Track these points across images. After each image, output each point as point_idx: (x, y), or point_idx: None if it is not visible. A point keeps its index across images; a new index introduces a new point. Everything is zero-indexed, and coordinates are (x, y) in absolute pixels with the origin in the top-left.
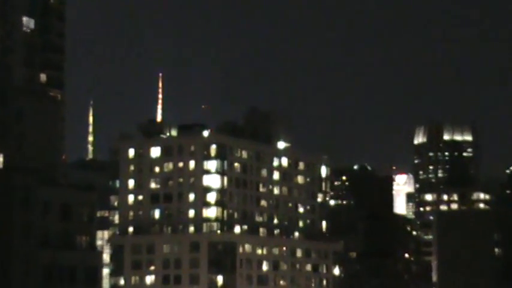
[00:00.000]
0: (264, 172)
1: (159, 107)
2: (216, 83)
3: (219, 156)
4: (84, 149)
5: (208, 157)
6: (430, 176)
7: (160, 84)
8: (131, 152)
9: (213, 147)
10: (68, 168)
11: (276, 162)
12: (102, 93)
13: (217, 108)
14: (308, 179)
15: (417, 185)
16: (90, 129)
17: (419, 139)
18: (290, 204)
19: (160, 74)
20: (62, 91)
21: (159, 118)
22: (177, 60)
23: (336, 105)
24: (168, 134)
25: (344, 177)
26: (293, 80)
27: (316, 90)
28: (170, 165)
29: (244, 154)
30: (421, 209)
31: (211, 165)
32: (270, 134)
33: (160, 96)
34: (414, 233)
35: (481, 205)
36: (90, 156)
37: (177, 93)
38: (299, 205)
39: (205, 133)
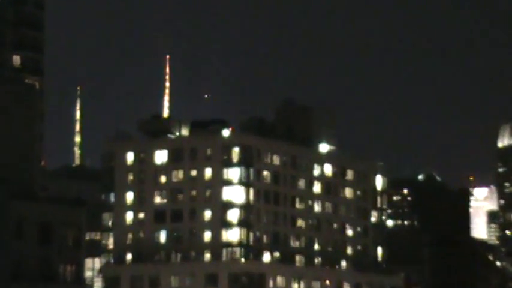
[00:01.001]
0: (302, 183)
1: (166, 98)
2: (237, 70)
3: (243, 162)
4: (69, 152)
5: (230, 163)
6: None
7: (167, 70)
8: (130, 157)
9: (236, 150)
10: (49, 178)
11: (317, 171)
12: (93, 81)
13: (240, 101)
14: (359, 193)
15: (502, 201)
16: (77, 127)
17: (504, 141)
18: (335, 225)
19: (168, 57)
20: (40, 78)
21: (165, 113)
22: (188, 43)
23: (393, 99)
24: (177, 133)
25: (405, 191)
26: (335, 69)
27: (365, 82)
28: (180, 174)
29: (276, 159)
30: (507, 232)
31: (234, 173)
32: (310, 134)
33: (167, 84)
34: (498, 263)
35: None
36: (77, 161)
37: (189, 82)
38: (347, 226)
39: (226, 132)
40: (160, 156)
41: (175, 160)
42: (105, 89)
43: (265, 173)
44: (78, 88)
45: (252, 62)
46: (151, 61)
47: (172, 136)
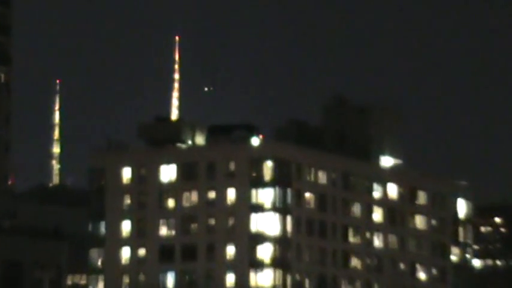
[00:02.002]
0: (357, 209)
1: (174, 95)
2: (269, 60)
3: (279, 180)
4: (45, 167)
5: (260, 182)
6: None
7: (176, 57)
8: (127, 173)
9: (268, 164)
10: (18, 202)
11: (377, 192)
12: (77, 73)
13: (273, 100)
14: (434, 222)
15: None
16: (56, 133)
17: None
18: (402, 266)
19: (177, 38)
20: (7, 68)
21: (174, 115)
22: (204, 24)
23: (477, 102)
24: (189, 141)
25: (497, 220)
26: (397, 62)
27: (439, 78)
28: (194, 196)
29: (322, 177)
30: None
31: (265, 195)
32: (368, 143)
33: (176, 77)
34: None
35: None
36: (56, 180)
37: (205, 74)
38: (418, 267)
39: (255, 141)
40: (167, 173)
41: (187, 178)
42: (93, 83)
43: (307, 195)
44: (58, 82)
45: (288, 51)
46: (154, 46)
47: (183, 146)
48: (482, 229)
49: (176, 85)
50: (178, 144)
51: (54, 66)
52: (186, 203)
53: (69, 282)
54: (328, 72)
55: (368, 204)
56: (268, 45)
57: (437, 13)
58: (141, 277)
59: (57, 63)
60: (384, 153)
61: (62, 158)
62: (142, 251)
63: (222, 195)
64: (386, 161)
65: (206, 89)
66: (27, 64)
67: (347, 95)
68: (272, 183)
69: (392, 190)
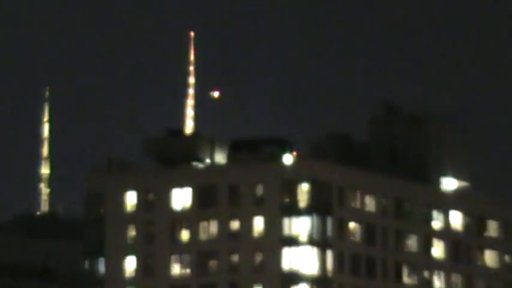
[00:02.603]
0: (413, 242)
1: (189, 103)
2: (305, 64)
3: (317, 207)
4: (32, 193)
5: (293, 209)
6: None
7: (191, 57)
8: (131, 199)
9: (304, 188)
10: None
11: (438, 222)
12: (70, 79)
13: (310, 110)
14: (507, 258)
15: None
16: (45, 150)
17: None
18: None
19: (192, 34)
20: None
21: (188, 128)
22: (220, 18)
23: None
24: (207, 160)
25: None
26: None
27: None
28: (213, 227)
29: (370, 203)
30: None
31: (300, 225)
32: (426, 161)
33: (191, 81)
34: None
35: None
36: (45, 208)
37: (227, 79)
38: None
39: (287, 158)
40: (181, 198)
41: (204, 204)
42: (90, 89)
43: (352, 225)
44: (47, 89)
45: (326, 51)
46: (163, 44)
47: (200, 165)
48: None
49: (191, 91)
50: (194, 163)
51: (42, 70)
52: (203, 235)
53: None
54: (375, 76)
55: (426, 237)
56: (302, 45)
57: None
58: None
59: (46, 65)
60: (445, 174)
61: (52, 181)
62: None
63: (247, 226)
64: (449, 184)
65: (211, 93)
66: (10, 68)
67: (399, 102)
68: (308, 211)
69: (456, 219)
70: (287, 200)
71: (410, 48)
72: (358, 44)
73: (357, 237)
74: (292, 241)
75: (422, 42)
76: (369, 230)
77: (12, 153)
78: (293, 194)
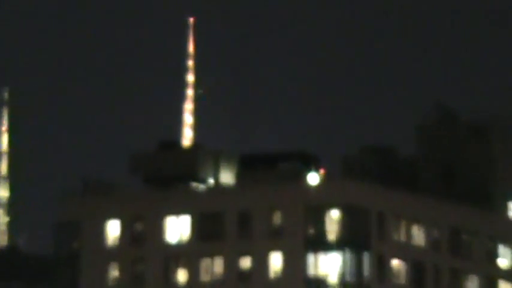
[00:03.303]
0: (473, 283)
1: (188, 108)
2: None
3: (350, 239)
4: None
5: (321, 242)
6: None
7: (191, 48)
8: (114, 230)
9: (333, 215)
10: None
11: (505, 259)
12: (37, 76)
13: (340, 117)
14: None
15: None
16: (3, 167)
17: None
18: None
19: (191, 20)
20: None
21: (186, 139)
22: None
23: None
24: (210, 180)
25: None
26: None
27: None
28: (218, 265)
29: (418, 235)
30: None
31: (329, 264)
32: (489, 183)
33: (190, 79)
34: None
35: None
36: (3, 240)
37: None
38: None
39: (312, 178)
40: (177, 228)
41: (207, 236)
42: (61, 89)
43: (395, 263)
44: (6, 89)
45: (360, 46)
46: (156, 31)
47: (202, 186)
48: None
49: (190, 92)
50: (194, 185)
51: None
52: (205, 276)
53: None
54: (423, 76)
55: (490, 278)
56: (328, 40)
57: None
58: None
59: (4, 60)
60: None
61: (12, 207)
62: None
63: (261, 264)
64: None
65: (200, 91)
66: None
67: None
68: (340, 245)
69: None
70: (312, 231)
71: (469, 44)
72: (401, 39)
73: (402, 278)
74: (319, 283)
75: (482, 37)
76: (416, 269)
77: None
78: (320, 223)
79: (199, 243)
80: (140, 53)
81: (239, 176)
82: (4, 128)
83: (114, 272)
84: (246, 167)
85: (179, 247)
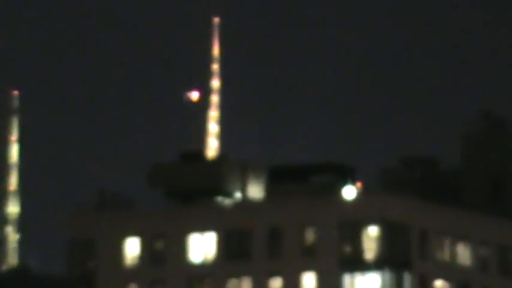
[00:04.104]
0: None
1: (213, 116)
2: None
3: (390, 258)
4: None
5: (358, 261)
6: None
7: (215, 51)
8: (133, 248)
9: (371, 232)
10: None
11: None
12: (49, 80)
13: (374, 126)
14: None
15: None
16: (13, 181)
17: None
18: None
19: (216, 20)
20: None
21: (211, 150)
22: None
23: None
24: (237, 194)
25: None
26: None
27: None
28: (246, 286)
29: (464, 253)
30: None
31: (367, 284)
32: None
33: (215, 84)
34: None
35: None
36: (12, 261)
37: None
38: None
39: (348, 192)
40: (201, 247)
41: (234, 255)
42: (76, 95)
43: (438, 284)
44: (15, 94)
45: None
46: (178, 33)
47: (228, 201)
48: None
49: (215, 99)
50: (220, 199)
51: (8, 70)
52: None
53: None
54: (469, 81)
55: None
56: (367, 45)
57: None
58: None
59: (14, 65)
60: None
61: (22, 224)
62: None
63: (293, 285)
64: None
65: (191, 95)
66: None
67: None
68: (378, 265)
69: None
70: (348, 249)
71: None
72: (446, 45)
73: None
74: None
75: None
76: None
77: None
78: (356, 241)
79: (226, 263)
80: (162, 57)
81: (268, 190)
82: (13, 137)
83: None
84: (275, 179)
85: (203, 267)
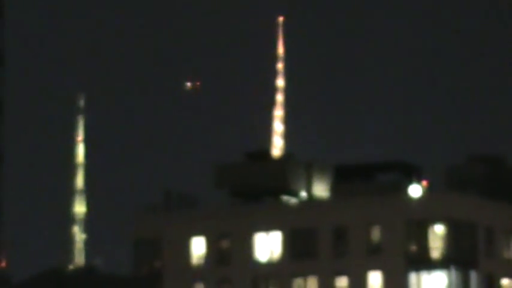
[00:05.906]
0: None
1: (277, 115)
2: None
3: (456, 257)
4: (62, 238)
5: (424, 260)
6: None
7: (280, 50)
8: (198, 248)
9: (437, 230)
10: None
11: None
12: (114, 82)
13: (441, 124)
14: None
15: None
16: (79, 181)
17: None
18: None
19: (280, 20)
20: None
21: (276, 149)
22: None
23: None
24: (303, 193)
25: None
26: None
27: None
28: (312, 285)
29: None
30: None
31: (433, 283)
32: None
33: (280, 84)
34: None
35: None
36: (79, 260)
37: (330, 77)
38: None
39: (414, 190)
40: (267, 246)
41: (299, 254)
42: (139, 97)
43: (505, 282)
44: (81, 96)
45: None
46: (241, 32)
47: (293, 199)
48: None
49: (280, 98)
50: (285, 198)
51: (75, 72)
52: None
53: None
54: None
55: None
56: (434, 42)
57: None
58: None
59: (80, 66)
60: None
61: (88, 224)
62: None
63: (359, 284)
64: None
65: (188, 83)
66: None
67: None
68: (444, 263)
69: None
70: (414, 247)
71: None
72: None
73: None
74: None
75: None
76: None
77: (37, 186)
78: (422, 239)
79: (291, 262)
80: (227, 57)
81: (334, 189)
82: (80, 138)
83: None
84: (341, 178)
85: (269, 266)
